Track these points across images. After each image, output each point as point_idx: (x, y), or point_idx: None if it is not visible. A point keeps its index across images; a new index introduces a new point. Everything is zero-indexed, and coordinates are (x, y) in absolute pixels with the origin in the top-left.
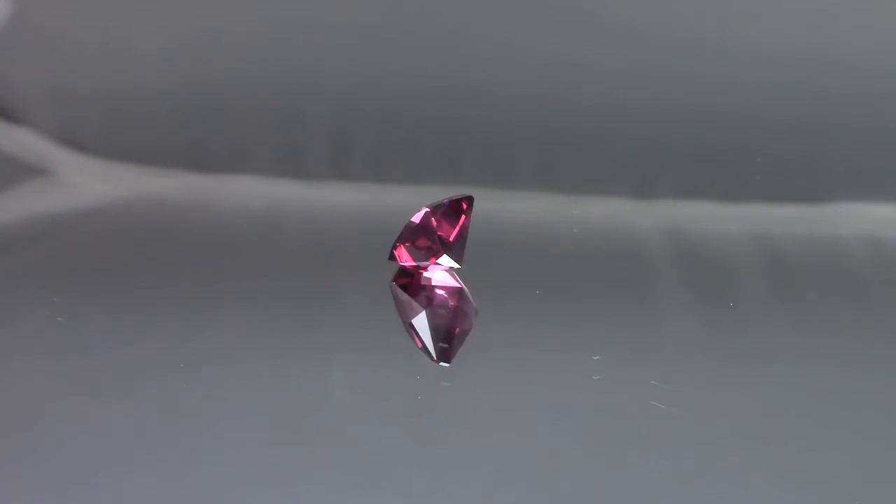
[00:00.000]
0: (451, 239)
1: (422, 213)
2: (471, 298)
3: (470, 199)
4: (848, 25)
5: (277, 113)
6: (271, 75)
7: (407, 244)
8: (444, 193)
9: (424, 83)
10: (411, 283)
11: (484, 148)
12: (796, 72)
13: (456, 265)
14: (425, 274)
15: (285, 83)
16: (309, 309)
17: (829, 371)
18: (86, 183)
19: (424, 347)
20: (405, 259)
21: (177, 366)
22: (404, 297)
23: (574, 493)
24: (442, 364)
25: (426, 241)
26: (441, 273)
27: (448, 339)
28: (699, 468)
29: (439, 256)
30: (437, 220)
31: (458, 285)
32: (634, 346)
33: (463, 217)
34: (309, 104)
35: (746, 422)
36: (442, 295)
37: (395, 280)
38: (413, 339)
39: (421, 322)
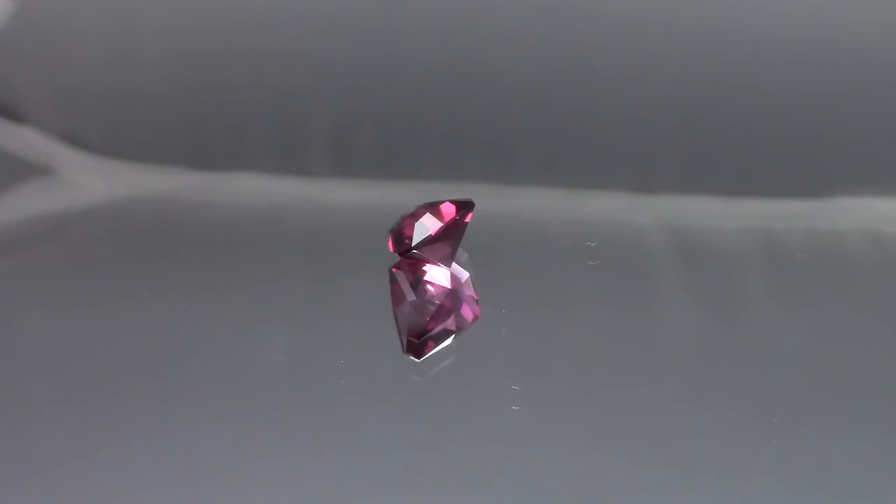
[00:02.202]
0: (434, 233)
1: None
2: (466, 302)
3: (469, 203)
4: (848, 20)
5: (278, 110)
6: (272, 73)
7: (394, 232)
8: (444, 190)
9: (424, 80)
10: (408, 274)
11: (484, 144)
12: (797, 66)
13: (433, 260)
14: (425, 269)
15: (286, 81)
16: (309, 305)
17: (830, 366)
18: (88, 181)
19: (399, 338)
20: (392, 247)
21: (178, 363)
22: (396, 286)
23: (573, 492)
24: (412, 358)
25: (411, 232)
26: (438, 271)
27: (421, 335)
28: (699, 465)
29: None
30: (429, 216)
31: (448, 287)
32: (634, 342)
33: (452, 217)
34: (309, 101)
35: (747, 417)
36: (430, 292)
37: (394, 268)
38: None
39: (402, 313)
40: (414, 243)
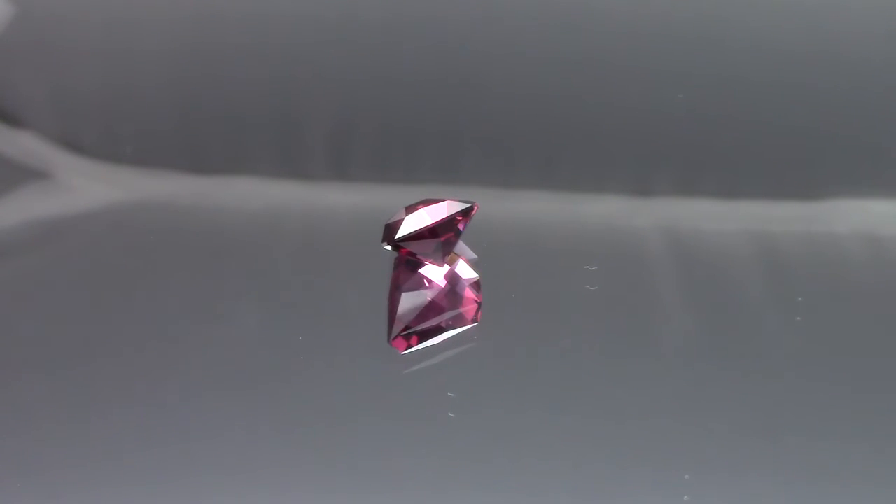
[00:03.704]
0: (425, 228)
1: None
2: (465, 304)
3: (471, 205)
4: (845, 21)
5: (276, 114)
6: (270, 77)
7: (388, 224)
8: (443, 193)
9: (422, 83)
10: (407, 266)
11: (482, 147)
12: (793, 68)
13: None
14: (424, 264)
15: (284, 84)
16: (308, 309)
17: (826, 369)
18: (86, 186)
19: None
20: (384, 237)
21: (176, 366)
22: (395, 274)
23: (572, 494)
24: (395, 349)
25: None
26: (436, 268)
27: (408, 328)
28: (697, 468)
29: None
30: (423, 211)
31: (442, 285)
32: (632, 345)
33: (449, 215)
34: (308, 105)
35: (744, 420)
36: (425, 287)
37: (396, 259)
38: None
39: (393, 303)
40: (401, 235)
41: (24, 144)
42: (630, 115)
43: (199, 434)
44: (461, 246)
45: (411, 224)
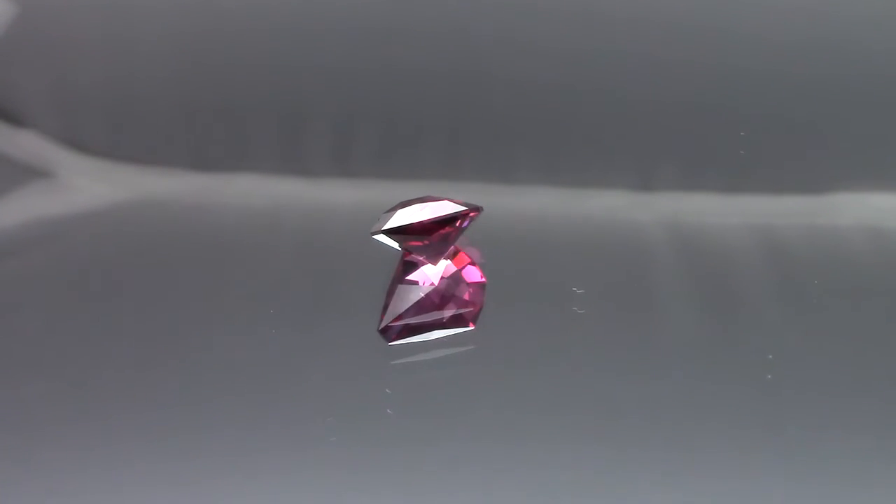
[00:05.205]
0: (417, 224)
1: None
2: (462, 304)
3: (473, 208)
4: (847, 14)
5: (278, 111)
6: (272, 74)
7: (387, 212)
8: (445, 189)
9: (425, 78)
10: (408, 260)
11: (485, 142)
12: (796, 62)
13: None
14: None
15: (286, 81)
16: (311, 307)
17: (829, 362)
18: (89, 185)
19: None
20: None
21: (179, 367)
22: (397, 267)
23: (571, 492)
24: (383, 340)
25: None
26: (430, 267)
27: (397, 321)
28: (698, 463)
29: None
30: (419, 207)
31: (435, 283)
32: (634, 339)
33: (445, 214)
34: (309, 102)
35: (746, 415)
36: (420, 283)
37: (401, 255)
38: None
39: (389, 293)
40: (388, 227)
41: (26, 144)
42: (632, 109)
43: (199, 432)
44: (472, 248)
45: (401, 218)
